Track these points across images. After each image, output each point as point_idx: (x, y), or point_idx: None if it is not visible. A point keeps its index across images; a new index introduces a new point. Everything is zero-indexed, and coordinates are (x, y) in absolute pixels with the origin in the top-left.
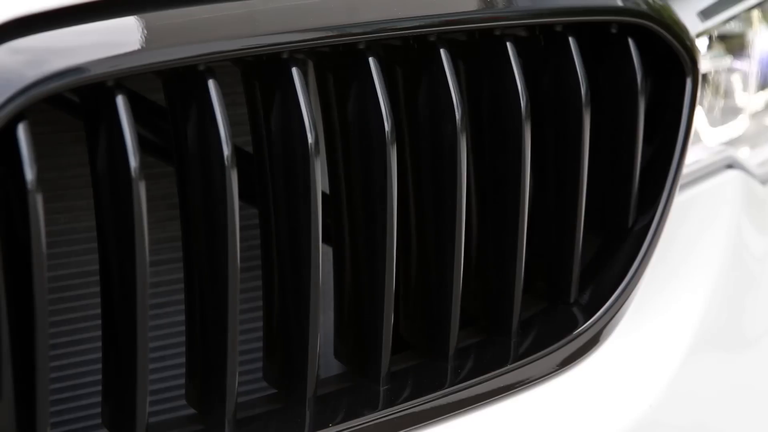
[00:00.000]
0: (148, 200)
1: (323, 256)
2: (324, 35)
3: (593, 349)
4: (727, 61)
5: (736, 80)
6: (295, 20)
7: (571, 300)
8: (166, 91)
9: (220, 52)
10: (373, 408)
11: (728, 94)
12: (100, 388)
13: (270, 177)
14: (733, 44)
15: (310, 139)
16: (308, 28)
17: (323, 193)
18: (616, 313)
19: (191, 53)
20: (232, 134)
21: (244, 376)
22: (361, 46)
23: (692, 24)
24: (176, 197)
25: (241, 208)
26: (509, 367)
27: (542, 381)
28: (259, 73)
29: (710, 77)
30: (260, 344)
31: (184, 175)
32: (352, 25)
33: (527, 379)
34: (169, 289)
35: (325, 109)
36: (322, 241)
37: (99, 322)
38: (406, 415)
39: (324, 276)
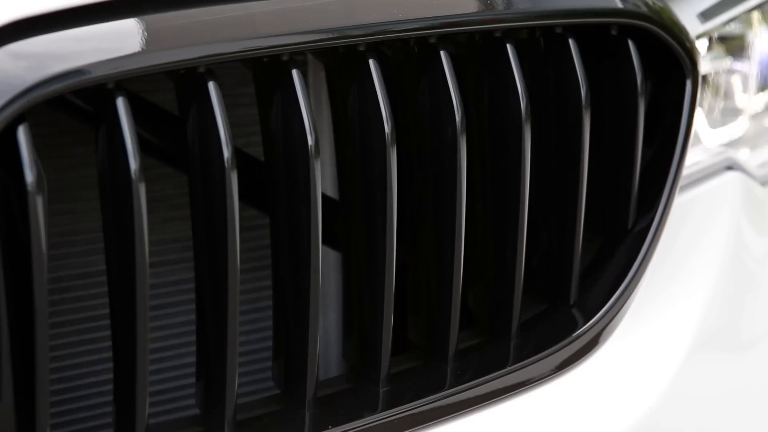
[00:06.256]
0: (150, 201)
1: (328, 258)
2: (324, 37)
3: (593, 350)
4: (727, 62)
5: (736, 82)
6: (295, 22)
7: (571, 301)
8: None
9: (220, 54)
10: (373, 410)
11: (728, 95)
12: (101, 389)
13: (272, 179)
14: (733, 46)
15: (310, 142)
16: (308, 30)
17: (329, 198)
18: (616, 314)
19: (191, 55)
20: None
21: (245, 377)
22: (361, 48)
23: (692, 25)
24: (177, 198)
25: (245, 209)
26: (509, 368)
27: (542, 383)
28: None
29: (710, 79)
30: (262, 345)
31: (189, 176)
32: (352, 27)
33: (527, 380)
34: (171, 290)
35: (331, 111)
36: (328, 245)
37: (100, 323)
38: (405, 416)
39: (329, 278)
